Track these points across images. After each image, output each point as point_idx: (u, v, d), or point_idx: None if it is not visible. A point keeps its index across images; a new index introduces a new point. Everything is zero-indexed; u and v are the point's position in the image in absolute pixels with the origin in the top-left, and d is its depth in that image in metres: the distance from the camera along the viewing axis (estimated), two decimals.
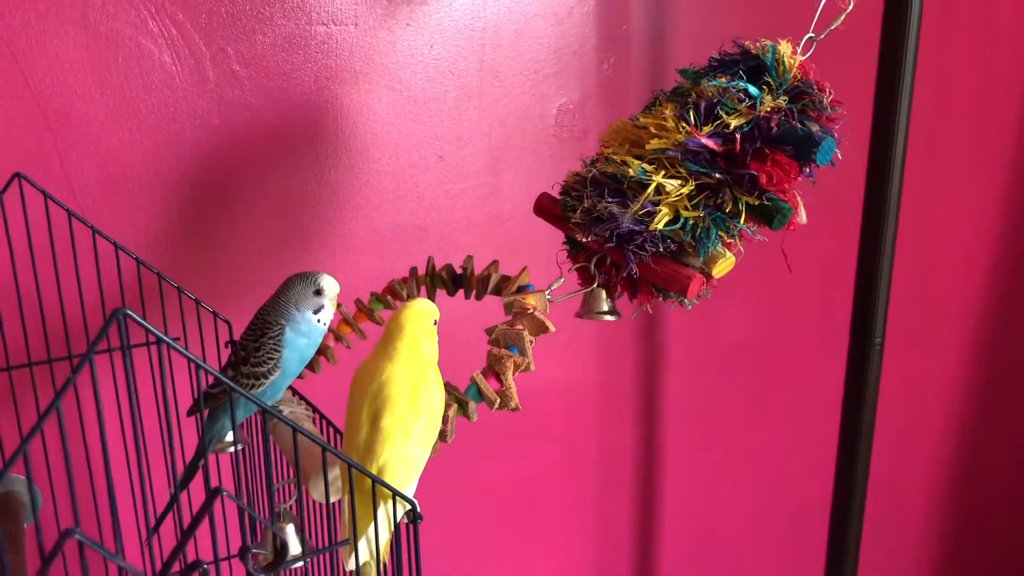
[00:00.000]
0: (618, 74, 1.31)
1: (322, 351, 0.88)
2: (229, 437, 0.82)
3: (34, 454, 0.94)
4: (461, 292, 0.91)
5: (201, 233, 1.08)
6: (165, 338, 0.51)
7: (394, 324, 0.70)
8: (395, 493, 0.62)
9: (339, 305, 0.92)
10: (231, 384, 0.55)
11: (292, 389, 0.89)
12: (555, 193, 0.90)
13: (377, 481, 0.61)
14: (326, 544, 0.73)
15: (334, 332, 0.89)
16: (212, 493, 0.53)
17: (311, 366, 0.87)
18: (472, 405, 0.72)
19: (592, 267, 0.86)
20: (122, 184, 1.03)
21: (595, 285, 0.86)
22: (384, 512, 0.65)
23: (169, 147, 1.04)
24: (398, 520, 0.65)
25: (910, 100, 1.01)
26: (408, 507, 0.64)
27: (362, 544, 0.65)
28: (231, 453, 0.82)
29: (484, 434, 1.35)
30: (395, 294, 0.91)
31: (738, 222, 0.79)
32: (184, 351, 0.53)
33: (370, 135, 1.16)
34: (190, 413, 0.81)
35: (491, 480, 1.39)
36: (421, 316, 0.70)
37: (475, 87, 1.21)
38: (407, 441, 0.66)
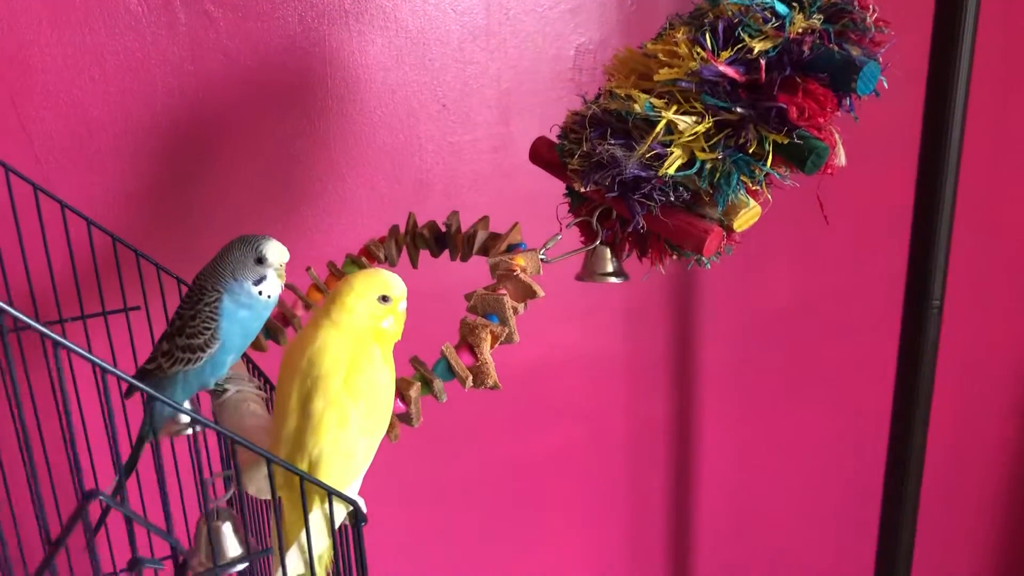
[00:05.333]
0: (643, 9, 1.19)
1: (274, 335, 0.77)
2: (184, 418, 0.72)
3: None
4: (447, 253, 0.80)
5: (175, 192, 0.99)
6: (60, 339, 0.40)
7: (333, 294, 0.59)
8: (331, 492, 0.52)
9: (309, 269, 0.82)
10: (144, 387, 0.45)
11: (248, 360, 0.79)
12: (554, 137, 0.78)
13: (306, 478, 0.51)
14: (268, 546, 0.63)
15: (287, 312, 0.78)
16: (85, 497, 0.43)
17: (257, 344, 0.77)
18: (439, 383, 0.62)
19: (594, 221, 0.75)
20: (85, 137, 0.94)
21: (598, 242, 0.75)
22: (320, 515, 0.55)
23: (138, 97, 0.95)
24: (336, 525, 0.55)
25: (975, 24, 0.87)
26: (350, 508, 0.54)
27: (296, 553, 0.55)
28: (186, 435, 0.73)
29: (501, 410, 1.26)
30: (371, 256, 0.80)
31: (764, 165, 0.68)
32: (77, 349, 0.43)
33: (363, 81, 1.05)
34: (126, 396, 0.72)
35: (512, 460, 1.30)
36: (366, 288, 0.59)
37: (481, 26, 1.09)
38: (344, 429, 0.56)
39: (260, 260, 0.65)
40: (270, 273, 0.65)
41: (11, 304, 0.82)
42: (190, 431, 0.73)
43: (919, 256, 1.01)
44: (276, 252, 0.65)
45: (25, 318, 0.40)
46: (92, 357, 0.43)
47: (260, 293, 0.65)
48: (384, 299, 0.59)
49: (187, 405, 0.71)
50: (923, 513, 1.17)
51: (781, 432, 1.55)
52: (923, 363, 1.06)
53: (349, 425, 0.55)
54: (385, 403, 0.58)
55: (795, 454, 1.58)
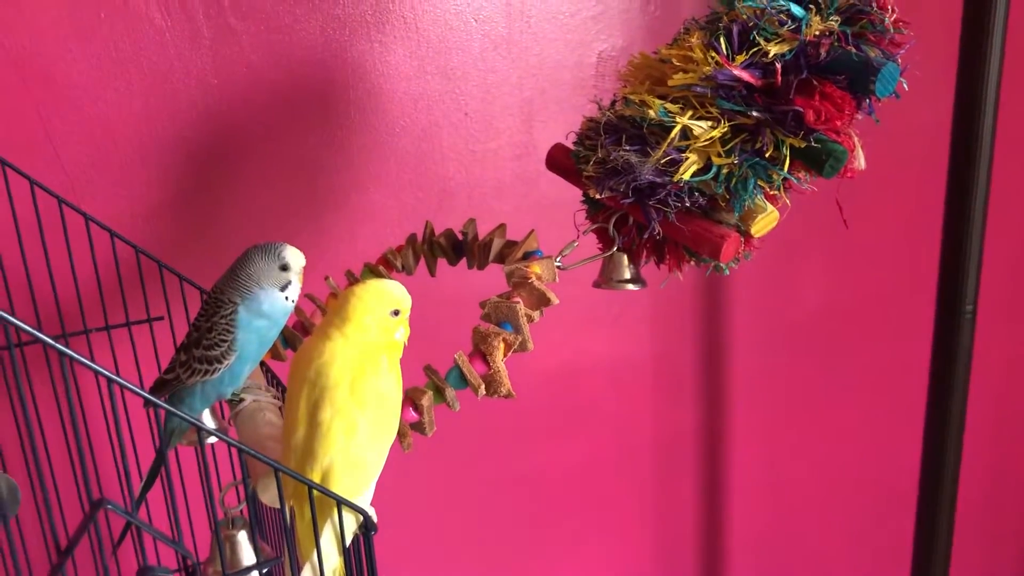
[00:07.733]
0: (667, 15, 1.18)
1: (293, 344, 0.78)
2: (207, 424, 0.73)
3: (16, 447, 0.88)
4: (465, 262, 0.80)
5: (199, 203, 1.00)
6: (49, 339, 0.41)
7: (342, 307, 0.59)
8: (340, 502, 0.52)
9: (327, 279, 0.82)
10: (158, 402, 0.45)
11: (266, 369, 0.80)
12: (570, 144, 0.78)
13: (315, 487, 0.51)
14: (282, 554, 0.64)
15: (306, 321, 0.79)
16: (94, 506, 0.44)
17: (276, 354, 0.77)
18: (451, 392, 0.62)
19: (611, 228, 0.74)
20: (110, 150, 0.95)
21: (615, 249, 0.74)
22: (331, 525, 0.55)
23: (163, 111, 0.96)
24: (348, 534, 0.54)
25: (1005, 19, 0.85)
26: (360, 519, 0.54)
27: (308, 566, 0.55)
28: (207, 445, 0.74)
29: (526, 419, 1.25)
30: (389, 265, 0.81)
31: (782, 169, 0.66)
32: (81, 358, 0.44)
33: (386, 92, 1.05)
34: (146, 406, 0.72)
35: (535, 469, 1.29)
36: (378, 302, 0.59)
37: (503, 34, 1.09)
38: (353, 438, 0.55)
39: (284, 267, 0.66)
40: (293, 278, 0.66)
41: (37, 316, 0.84)
42: (212, 439, 0.74)
43: (951, 260, 0.98)
44: (296, 257, 0.66)
45: (29, 329, 0.41)
46: (97, 367, 0.43)
47: (287, 299, 0.66)
48: (395, 313, 0.59)
49: (207, 414, 0.72)
50: (960, 520, 1.14)
51: (813, 439, 1.52)
52: (957, 371, 1.03)
53: (357, 434, 0.55)
54: (392, 410, 0.58)
55: (827, 462, 1.55)
